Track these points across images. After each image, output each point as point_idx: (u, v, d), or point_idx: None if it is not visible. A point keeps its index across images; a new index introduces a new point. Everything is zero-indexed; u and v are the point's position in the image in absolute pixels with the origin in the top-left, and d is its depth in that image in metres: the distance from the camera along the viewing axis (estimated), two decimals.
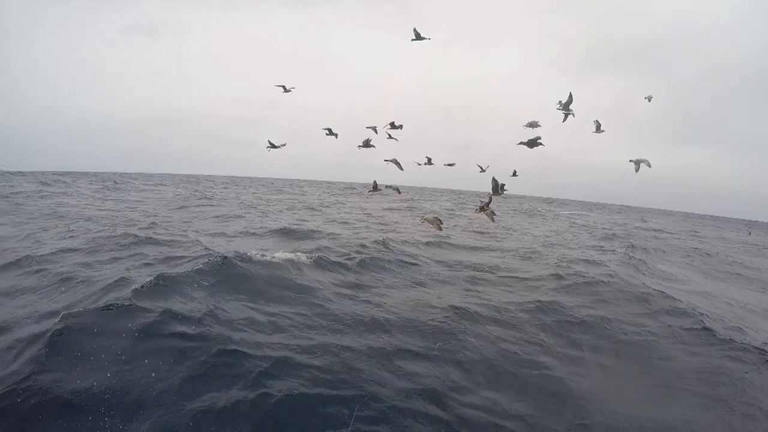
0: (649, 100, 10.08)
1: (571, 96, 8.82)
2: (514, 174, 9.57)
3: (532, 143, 8.41)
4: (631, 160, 8.85)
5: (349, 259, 12.44)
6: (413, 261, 13.39)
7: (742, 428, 5.81)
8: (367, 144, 9.26)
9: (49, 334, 6.23)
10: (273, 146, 9.30)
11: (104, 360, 5.97)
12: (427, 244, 16.43)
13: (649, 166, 8.49)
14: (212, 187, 49.68)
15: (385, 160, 9.43)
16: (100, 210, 22.32)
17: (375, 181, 9.70)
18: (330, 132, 9.21)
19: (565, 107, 8.92)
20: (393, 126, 9.35)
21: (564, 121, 8.98)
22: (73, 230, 14.89)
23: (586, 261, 14.92)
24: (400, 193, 11.05)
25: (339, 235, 16.94)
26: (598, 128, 9.34)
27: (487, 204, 8.15)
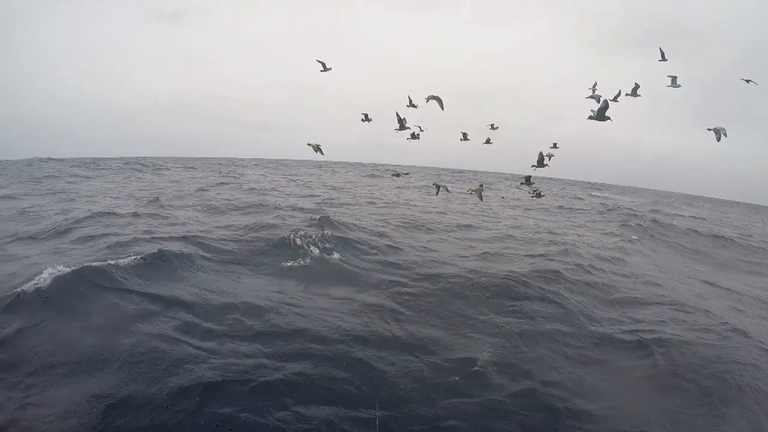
0: (673, 81, 9.32)
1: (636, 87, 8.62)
2: (555, 146, 9.37)
3: (602, 117, 8.23)
4: (709, 128, 8.54)
5: (370, 236, 12.40)
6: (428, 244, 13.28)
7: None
8: (402, 127, 9.36)
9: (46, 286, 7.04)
10: (315, 148, 9.71)
11: (93, 316, 6.30)
12: (445, 227, 16.32)
13: (725, 135, 8.30)
14: (238, 170, 50.20)
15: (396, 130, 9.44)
16: (134, 189, 23.14)
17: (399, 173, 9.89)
18: (366, 118, 9.46)
19: (616, 97, 8.67)
20: (433, 97, 9.32)
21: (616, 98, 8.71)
22: (96, 205, 15.48)
23: (592, 247, 14.57)
24: (449, 191, 10.86)
25: (364, 216, 16.93)
26: (635, 92, 8.86)
27: (528, 181, 9.20)
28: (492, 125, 9.88)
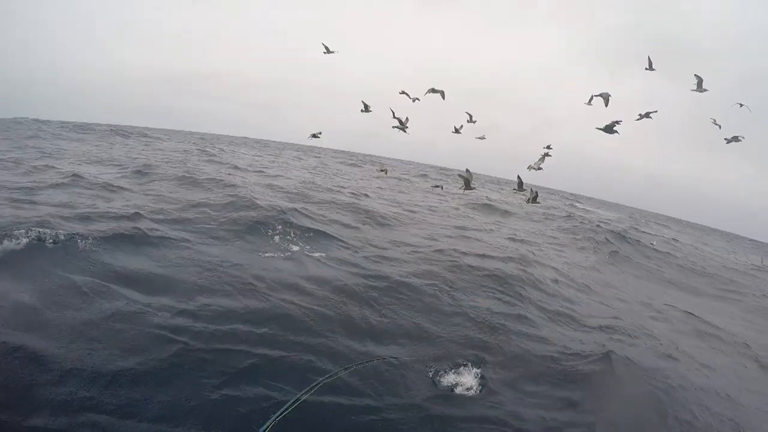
0: (699, 85, 8.96)
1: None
2: (549, 148, 9.45)
3: (609, 129, 8.25)
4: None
5: (343, 229, 12.44)
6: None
7: None
8: (401, 124, 9.47)
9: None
10: (315, 136, 10.12)
11: (43, 286, 6.42)
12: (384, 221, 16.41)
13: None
14: (224, 146, 49.62)
15: (393, 127, 9.60)
16: (115, 156, 23.28)
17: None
18: (365, 108, 9.65)
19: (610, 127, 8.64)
20: (434, 90, 9.47)
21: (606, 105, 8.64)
22: (72, 169, 15.42)
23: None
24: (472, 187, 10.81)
25: (339, 206, 16.81)
26: (700, 85, 8.58)
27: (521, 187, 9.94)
28: (470, 117, 10.02)
